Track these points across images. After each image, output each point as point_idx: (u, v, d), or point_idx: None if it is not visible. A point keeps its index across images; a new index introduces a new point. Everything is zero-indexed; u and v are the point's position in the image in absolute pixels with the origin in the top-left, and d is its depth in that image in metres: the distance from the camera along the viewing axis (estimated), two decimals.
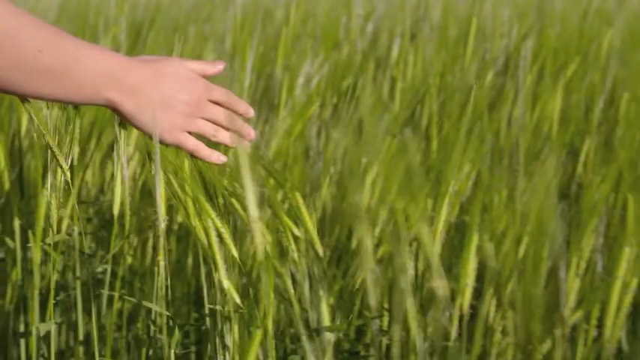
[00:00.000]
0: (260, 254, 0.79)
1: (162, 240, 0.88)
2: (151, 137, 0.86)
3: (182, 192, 0.88)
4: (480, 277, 0.95)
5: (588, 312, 0.94)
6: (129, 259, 1.39)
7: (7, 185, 1.28)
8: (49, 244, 1.12)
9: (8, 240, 1.34)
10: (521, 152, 1.44)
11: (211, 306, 1.02)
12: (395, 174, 0.85)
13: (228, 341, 0.93)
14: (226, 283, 0.87)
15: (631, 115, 1.48)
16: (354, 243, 1.18)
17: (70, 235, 1.33)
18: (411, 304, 0.77)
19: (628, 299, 0.92)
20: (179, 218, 1.41)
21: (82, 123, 1.46)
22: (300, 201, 0.92)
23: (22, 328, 1.37)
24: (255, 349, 0.80)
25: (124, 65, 0.82)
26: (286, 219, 0.91)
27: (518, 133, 1.45)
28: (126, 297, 1.13)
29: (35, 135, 0.90)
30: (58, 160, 0.92)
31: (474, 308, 0.98)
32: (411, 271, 0.77)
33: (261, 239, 0.80)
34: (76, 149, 1.28)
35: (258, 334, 0.80)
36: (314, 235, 0.92)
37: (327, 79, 1.76)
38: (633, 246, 0.92)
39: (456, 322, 0.94)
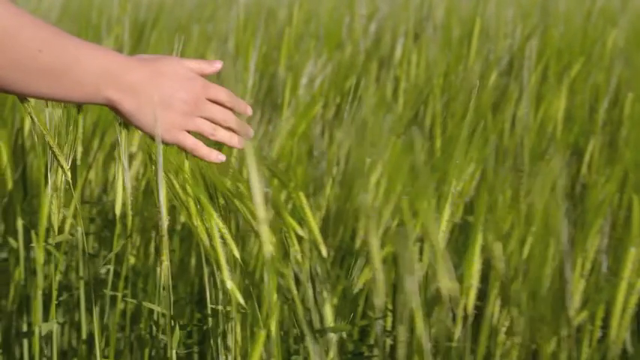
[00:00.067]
0: (266, 255, 0.79)
1: (165, 240, 0.88)
2: (150, 136, 0.86)
3: (184, 193, 0.88)
4: (485, 278, 0.94)
5: (593, 313, 0.94)
6: (132, 260, 1.39)
7: (10, 185, 1.28)
8: (52, 244, 1.12)
9: (11, 240, 1.34)
10: (526, 152, 1.44)
11: (214, 306, 1.02)
12: (400, 173, 0.85)
13: (231, 342, 0.93)
14: (229, 284, 0.86)
15: (635, 115, 1.47)
16: (357, 243, 1.17)
17: (72, 235, 1.33)
18: (417, 305, 0.76)
19: (633, 300, 0.92)
20: (182, 218, 1.40)
21: (85, 123, 1.46)
22: (304, 201, 0.92)
23: (25, 328, 1.37)
24: (259, 350, 0.80)
25: (123, 64, 0.82)
26: (290, 219, 0.90)
27: (523, 134, 1.44)
28: (127, 299, 1.13)
29: (36, 135, 0.90)
30: (58, 160, 0.92)
31: (479, 309, 0.98)
32: (418, 272, 0.77)
33: (267, 240, 0.80)
34: (79, 149, 1.28)
35: (261, 335, 0.80)
36: (318, 235, 0.91)
37: (330, 79, 1.76)
38: (638, 247, 0.91)
39: (460, 323, 0.93)
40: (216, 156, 0.89)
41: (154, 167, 0.88)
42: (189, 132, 0.87)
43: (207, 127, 0.87)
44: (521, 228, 0.94)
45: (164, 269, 0.89)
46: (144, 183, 1.44)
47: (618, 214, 1.25)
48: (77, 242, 1.35)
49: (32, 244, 1.17)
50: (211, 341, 1.02)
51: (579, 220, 0.96)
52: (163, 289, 1.13)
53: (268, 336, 0.81)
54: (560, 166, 0.91)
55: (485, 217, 0.92)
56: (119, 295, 1.12)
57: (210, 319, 1.04)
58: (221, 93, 0.88)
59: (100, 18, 2.39)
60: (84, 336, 1.22)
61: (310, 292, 0.92)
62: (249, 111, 0.91)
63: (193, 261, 1.44)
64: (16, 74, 0.78)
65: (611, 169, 0.97)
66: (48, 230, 1.12)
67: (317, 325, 0.92)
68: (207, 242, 0.87)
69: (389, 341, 1.21)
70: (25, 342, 1.30)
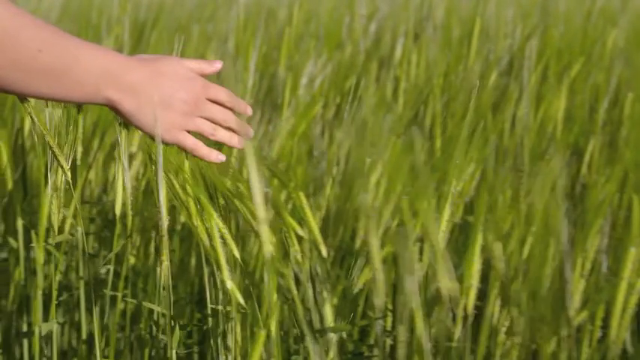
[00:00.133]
0: (267, 255, 0.79)
1: (165, 240, 0.88)
2: (150, 136, 0.86)
3: (183, 193, 0.88)
4: (484, 278, 0.94)
5: (593, 313, 0.93)
6: (132, 260, 1.39)
7: (10, 185, 1.28)
8: (52, 244, 1.12)
9: (11, 240, 1.34)
10: (526, 152, 1.44)
11: (214, 306, 1.02)
12: (400, 173, 0.85)
13: (231, 342, 0.93)
14: (229, 284, 0.86)
15: (635, 115, 1.47)
16: (357, 243, 1.17)
17: (72, 235, 1.33)
18: (417, 305, 0.76)
19: (633, 300, 0.92)
20: (182, 218, 1.40)
21: (85, 123, 1.46)
22: (304, 201, 0.92)
23: (25, 328, 1.37)
24: (259, 350, 0.80)
25: (123, 64, 0.82)
26: (290, 219, 0.90)
27: (523, 134, 1.44)
28: (127, 299, 1.13)
29: (36, 135, 0.90)
30: (58, 160, 0.92)
31: (478, 309, 0.98)
32: (418, 272, 0.77)
33: (267, 240, 0.80)
34: (79, 149, 1.28)
35: (261, 335, 0.80)
36: (318, 235, 0.91)
37: (330, 79, 1.76)
38: (638, 247, 0.91)
39: (460, 323, 0.93)
40: (216, 156, 0.89)
41: (154, 167, 0.88)
42: (189, 132, 0.87)
43: (207, 127, 0.87)
44: (521, 228, 0.94)
45: (164, 269, 0.89)
46: (144, 183, 1.44)
47: (618, 214, 1.25)
48: (77, 242, 1.35)
49: (32, 244, 1.17)
50: (211, 341, 1.02)
51: (579, 220, 0.96)
52: (163, 289, 1.12)
53: (268, 336, 0.81)
54: (560, 166, 0.91)
55: (485, 217, 0.92)
56: (119, 295, 1.12)
57: (210, 319, 1.04)
58: (221, 93, 0.88)
59: (100, 18, 2.39)
60: (84, 336, 1.22)
61: (310, 292, 0.92)
62: (249, 111, 0.91)
63: (193, 261, 1.44)
64: (16, 74, 0.78)
65: (611, 169, 0.97)
66: (48, 230, 1.12)
67: (317, 325, 0.92)
68: (207, 242, 0.87)
69: (389, 341, 1.21)
70: (25, 342, 1.30)
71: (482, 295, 0.96)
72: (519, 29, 2.13)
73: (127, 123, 0.88)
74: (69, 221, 1.14)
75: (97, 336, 1.02)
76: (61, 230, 1.19)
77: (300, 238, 0.92)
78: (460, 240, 1.35)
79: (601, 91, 1.65)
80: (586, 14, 2.32)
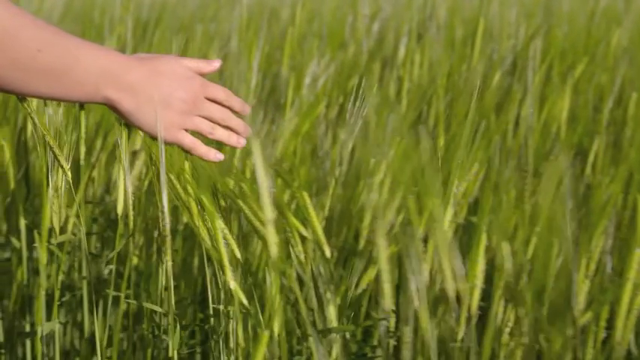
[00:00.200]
0: (273, 256, 0.79)
1: (168, 240, 0.88)
2: (149, 135, 0.86)
3: (185, 193, 0.88)
4: (488, 279, 0.94)
5: (598, 314, 0.93)
6: (135, 260, 1.39)
7: (12, 184, 1.28)
8: (55, 244, 1.12)
9: (14, 240, 1.34)
10: (530, 153, 1.44)
11: (216, 306, 1.02)
12: (404, 173, 0.85)
13: (233, 342, 0.93)
14: (233, 284, 0.86)
15: None
16: (361, 243, 1.17)
17: (75, 235, 1.33)
18: (423, 305, 0.76)
19: (638, 301, 0.91)
20: (185, 218, 1.40)
21: (88, 123, 1.46)
22: (308, 201, 0.92)
23: (27, 329, 1.37)
24: (262, 351, 0.79)
25: (122, 64, 0.83)
26: (294, 219, 0.90)
27: (527, 134, 1.44)
28: (129, 300, 1.13)
29: (36, 135, 0.90)
30: (59, 161, 0.92)
31: (482, 309, 0.97)
32: (424, 272, 0.76)
33: (272, 241, 0.79)
34: (82, 149, 1.27)
35: (265, 336, 0.80)
36: (321, 235, 0.91)
37: (333, 79, 1.76)
38: None
39: (463, 323, 0.93)
40: (215, 155, 0.89)
41: (154, 167, 0.88)
42: (187, 131, 0.87)
43: (205, 126, 0.87)
44: (526, 228, 0.93)
45: (167, 269, 0.88)
46: (146, 183, 1.44)
47: (623, 214, 1.24)
48: (80, 242, 1.35)
49: (35, 244, 1.17)
50: (214, 342, 1.02)
51: (584, 221, 0.95)
52: (166, 289, 1.12)
53: (271, 336, 0.81)
54: (564, 166, 0.90)
55: (490, 218, 0.92)
56: (122, 295, 1.11)
57: (212, 320, 1.04)
58: (219, 92, 0.88)
59: (103, 17, 2.39)
60: (86, 336, 1.21)
61: (314, 292, 0.91)
62: (248, 110, 0.91)
63: (196, 261, 1.44)
64: (16, 74, 0.78)
65: (615, 170, 0.97)
66: (51, 230, 1.12)
67: (320, 325, 0.92)
68: (208, 243, 0.87)
69: (392, 342, 1.21)
70: (28, 342, 1.30)
71: (486, 296, 0.96)
72: (523, 29, 2.13)
73: (127, 123, 0.88)
74: (71, 221, 1.13)
75: (99, 336, 1.01)
76: (63, 230, 1.18)
77: (303, 239, 0.91)
78: (464, 240, 1.34)
79: (605, 91, 1.65)
80: (590, 14, 2.31)
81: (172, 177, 0.88)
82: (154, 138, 0.86)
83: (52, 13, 2.75)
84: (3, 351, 1.41)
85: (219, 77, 1.72)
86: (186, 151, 0.88)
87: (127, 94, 0.83)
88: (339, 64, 1.84)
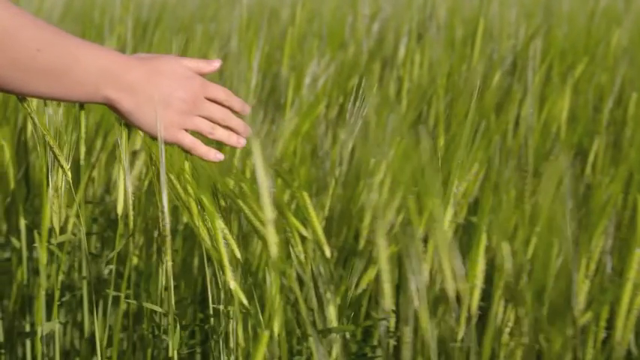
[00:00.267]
0: (273, 256, 0.79)
1: (168, 240, 0.88)
2: (149, 135, 0.86)
3: (185, 193, 0.88)
4: (488, 279, 0.94)
5: (598, 314, 0.93)
6: (135, 260, 1.39)
7: (12, 184, 1.28)
8: (55, 244, 1.12)
9: (14, 239, 1.34)
10: (530, 153, 1.44)
11: (216, 306, 1.02)
12: (404, 173, 0.85)
13: (233, 342, 0.93)
14: (233, 284, 0.86)
15: None
16: (361, 243, 1.17)
17: (75, 235, 1.33)
18: (423, 305, 0.76)
19: (638, 301, 0.91)
20: (185, 218, 1.40)
21: (88, 123, 1.46)
22: (308, 201, 0.92)
23: (27, 328, 1.37)
24: (262, 351, 0.79)
25: (122, 63, 0.83)
26: (294, 219, 0.90)
27: (527, 134, 1.44)
28: (128, 300, 1.13)
29: (36, 135, 0.90)
30: (59, 161, 0.92)
31: (481, 309, 0.97)
32: (425, 272, 0.76)
33: (272, 241, 0.79)
34: (82, 149, 1.27)
35: (265, 336, 0.80)
36: (321, 235, 0.91)
37: (333, 79, 1.76)
38: None
39: (463, 323, 0.93)
40: (215, 155, 0.89)
41: (154, 167, 0.88)
42: (187, 131, 0.87)
43: (205, 126, 0.87)
44: (526, 228, 0.93)
45: (167, 269, 0.88)
46: (146, 183, 1.44)
47: (623, 214, 1.24)
48: (80, 242, 1.35)
49: (35, 244, 1.17)
50: (214, 341, 1.02)
51: (584, 221, 0.95)
52: (166, 289, 1.12)
53: (271, 336, 0.81)
54: (564, 166, 0.90)
55: (490, 218, 0.91)
56: (122, 295, 1.11)
57: (212, 320, 1.04)
58: (219, 92, 0.88)
59: (103, 17, 2.39)
60: (86, 336, 1.21)
61: (314, 292, 0.91)
62: (247, 110, 0.91)
63: (196, 261, 1.44)
64: (16, 74, 0.78)
65: (615, 170, 0.97)
66: (51, 230, 1.12)
67: (320, 325, 0.92)
68: (209, 243, 0.87)
69: (392, 342, 1.21)
70: (28, 342, 1.30)
71: (486, 296, 0.96)
72: (523, 29, 2.13)
73: (126, 122, 0.88)
74: (72, 221, 1.13)
75: (99, 336, 1.01)
76: (63, 230, 1.18)
77: (303, 239, 0.91)
78: (464, 240, 1.34)
79: (605, 91, 1.65)
80: (590, 14, 2.31)
81: (172, 177, 0.88)
82: (154, 138, 0.86)
83: (52, 13, 2.75)
84: (3, 351, 1.41)
85: (219, 77, 1.72)
86: (186, 151, 0.88)
87: (126, 93, 0.83)
88: (339, 64, 1.84)
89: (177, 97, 0.85)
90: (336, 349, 0.92)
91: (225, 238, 0.87)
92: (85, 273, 1.18)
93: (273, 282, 0.79)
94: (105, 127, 1.49)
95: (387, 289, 0.78)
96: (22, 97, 0.88)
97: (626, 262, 0.91)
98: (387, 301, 0.78)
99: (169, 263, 0.88)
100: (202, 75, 0.88)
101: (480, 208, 0.91)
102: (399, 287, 1.18)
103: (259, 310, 0.93)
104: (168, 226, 0.88)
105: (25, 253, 1.31)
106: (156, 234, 1.41)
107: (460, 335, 0.93)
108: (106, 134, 1.49)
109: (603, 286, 0.95)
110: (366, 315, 1.27)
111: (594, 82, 1.72)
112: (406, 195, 0.84)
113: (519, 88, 1.60)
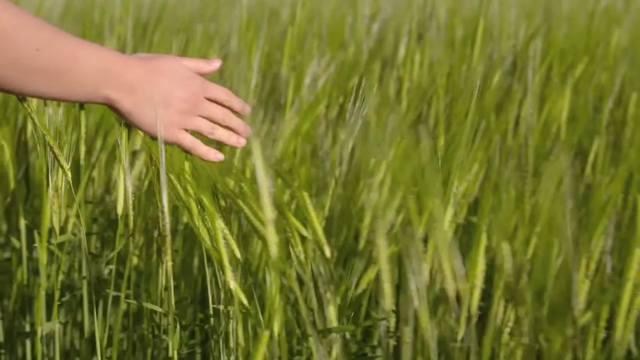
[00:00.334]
0: (273, 256, 0.79)
1: (168, 240, 0.88)
2: (149, 135, 0.86)
3: (185, 193, 0.88)
4: (487, 279, 0.94)
5: (598, 314, 0.93)
6: (135, 260, 1.39)
7: (12, 184, 1.28)
8: (55, 244, 1.12)
9: (14, 239, 1.34)
10: (530, 153, 1.44)
11: (216, 306, 1.02)
12: (404, 173, 0.85)
13: (233, 342, 0.93)
14: (233, 284, 0.86)
15: None
16: (361, 243, 1.17)
17: (75, 235, 1.33)
18: (423, 305, 0.76)
19: (638, 301, 0.91)
20: (185, 218, 1.40)
21: (88, 123, 1.46)
22: (308, 201, 0.92)
23: (27, 328, 1.37)
24: (262, 351, 0.79)
25: (122, 63, 0.83)
26: (294, 219, 0.90)
27: (527, 134, 1.44)
28: (128, 300, 1.13)
29: (36, 135, 0.90)
30: (59, 161, 0.92)
31: (482, 309, 0.97)
32: (425, 272, 0.76)
33: (272, 241, 0.79)
34: (83, 149, 1.27)
35: (265, 336, 0.80)
36: (321, 235, 0.91)
37: (333, 79, 1.75)
38: None
39: (463, 323, 0.93)
40: (214, 154, 0.89)
41: (154, 167, 0.88)
42: (187, 131, 0.87)
43: (205, 126, 0.87)
44: (526, 228, 0.93)
45: (167, 269, 0.88)
46: (146, 183, 1.43)
47: (623, 214, 1.24)
48: (79, 242, 1.35)
49: (35, 244, 1.17)
50: (214, 341, 1.02)
51: (584, 221, 0.95)
52: (166, 289, 1.12)
53: (271, 336, 0.81)
54: (564, 166, 0.90)
55: (490, 218, 0.91)
56: (122, 295, 1.11)
57: (212, 320, 1.04)
58: (219, 92, 0.88)
59: (103, 18, 2.39)
60: (86, 336, 1.21)
61: (313, 292, 0.91)
62: (247, 110, 0.91)
63: (196, 261, 1.44)
64: (15, 74, 0.78)
65: (615, 170, 0.97)
66: (50, 230, 1.12)
67: (320, 325, 0.92)
68: (209, 243, 0.87)
69: (392, 342, 1.21)
70: (28, 342, 1.30)
71: (486, 296, 0.96)
72: (523, 29, 2.13)
73: (126, 122, 0.88)
74: (72, 221, 1.13)
75: (99, 336, 1.01)
76: (63, 230, 1.18)
77: (303, 239, 0.91)
78: (464, 240, 1.34)
79: (605, 92, 1.65)
80: (590, 14, 2.31)
81: (172, 177, 0.88)
82: (154, 138, 0.86)
83: (51, 13, 2.75)
84: (3, 351, 1.40)
85: (219, 77, 1.72)
86: (186, 151, 0.88)
87: (126, 93, 0.83)
88: (339, 64, 1.84)
89: (177, 97, 0.85)
90: (336, 349, 0.92)
91: (225, 238, 0.87)
92: (85, 273, 1.18)
93: (273, 282, 0.79)
94: (105, 127, 1.49)
95: (387, 289, 0.78)
96: (21, 97, 0.88)
97: (626, 262, 0.91)
98: (388, 301, 0.78)
99: (169, 263, 0.88)
100: (202, 75, 0.88)
101: (480, 208, 0.91)
102: (399, 287, 1.18)
103: (259, 310, 0.93)
104: (168, 226, 0.88)
105: (25, 253, 1.31)
106: (156, 234, 1.41)
107: (460, 335, 0.93)
108: (106, 134, 1.49)
109: (603, 286, 0.95)
110: (366, 315, 1.27)
111: (594, 82, 1.72)
112: (406, 195, 0.84)
113: (519, 88, 1.60)
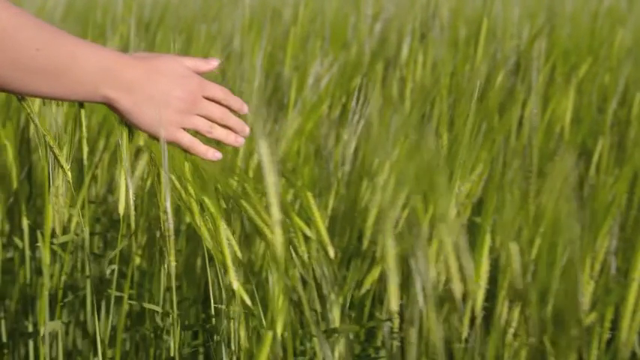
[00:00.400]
0: (279, 257, 0.79)
1: (171, 240, 0.87)
2: (148, 134, 0.86)
3: (186, 194, 0.88)
4: (492, 279, 0.94)
5: (602, 314, 0.93)
6: (137, 260, 1.38)
7: (15, 184, 1.28)
8: (58, 244, 1.11)
9: (17, 239, 1.33)
10: (534, 153, 1.43)
11: (219, 306, 1.02)
12: (408, 173, 0.84)
13: (237, 342, 0.93)
14: (236, 285, 0.86)
15: None
16: (365, 244, 1.17)
17: (77, 234, 1.32)
18: (431, 306, 0.76)
19: None
20: (188, 218, 1.40)
21: (91, 123, 1.46)
22: (312, 201, 0.92)
23: (30, 328, 1.37)
24: (265, 351, 0.79)
25: (121, 63, 0.83)
26: (297, 219, 0.90)
27: (531, 134, 1.44)
28: (131, 300, 1.12)
29: (36, 135, 0.90)
30: (59, 161, 0.92)
31: (486, 310, 0.97)
32: (432, 272, 0.76)
33: (278, 241, 0.79)
34: (85, 149, 1.27)
35: (268, 337, 0.79)
36: (325, 235, 0.91)
37: (336, 79, 1.75)
38: None
39: (467, 324, 0.93)
40: (213, 153, 0.89)
41: (154, 167, 0.88)
42: (185, 130, 0.87)
43: (204, 125, 0.87)
44: (530, 229, 0.93)
45: (170, 269, 0.88)
46: (149, 183, 1.43)
47: (628, 214, 1.24)
48: (82, 242, 1.35)
49: (38, 244, 1.16)
50: (216, 342, 1.02)
51: (588, 221, 0.95)
52: (168, 289, 1.12)
53: (274, 337, 0.81)
54: (568, 166, 0.90)
55: (494, 218, 0.91)
56: (125, 295, 1.11)
57: (214, 320, 1.04)
58: (218, 91, 0.88)
59: (105, 18, 2.39)
60: (89, 336, 1.21)
61: (317, 293, 0.91)
62: (246, 109, 0.91)
63: (199, 261, 1.43)
64: (15, 73, 0.78)
65: (619, 170, 0.96)
66: (53, 230, 1.11)
67: (324, 326, 0.91)
68: (210, 243, 0.87)
69: (396, 343, 1.21)
70: (31, 342, 1.30)
71: (490, 296, 0.95)
72: (526, 29, 2.12)
73: (126, 121, 0.88)
74: (74, 221, 1.13)
75: (101, 336, 1.01)
76: (66, 230, 1.18)
77: (307, 239, 0.91)
78: (468, 241, 1.34)
79: (609, 92, 1.65)
80: (593, 14, 2.31)
81: (174, 177, 0.88)
82: (153, 137, 0.86)
83: (54, 13, 2.75)
84: (6, 351, 1.40)
85: (222, 77, 1.72)
86: (185, 150, 0.88)
87: (125, 92, 0.83)
88: (342, 64, 1.83)
89: (175, 96, 0.85)
90: (339, 350, 0.92)
91: (227, 239, 0.86)
92: (87, 273, 1.18)
93: (276, 282, 0.79)
94: (107, 127, 1.49)
95: (394, 289, 0.77)
96: (21, 97, 0.88)
97: (631, 263, 0.91)
98: (393, 302, 0.78)
99: (172, 263, 0.88)
100: (201, 74, 0.88)
101: (484, 208, 0.91)
102: (403, 288, 1.18)
103: (262, 311, 0.93)
104: (171, 226, 0.87)
105: (27, 253, 1.30)
106: (158, 234, 1.41)
107: (464, 335, 0.93)
108: (108, 134, 1.49)
109: (608, 287, 0.95)
110: (369, 316, 1.27)
111: (598, 83, 1.72)
112: (411, 195, 0.84)
113: (523, 88, 1.59)
